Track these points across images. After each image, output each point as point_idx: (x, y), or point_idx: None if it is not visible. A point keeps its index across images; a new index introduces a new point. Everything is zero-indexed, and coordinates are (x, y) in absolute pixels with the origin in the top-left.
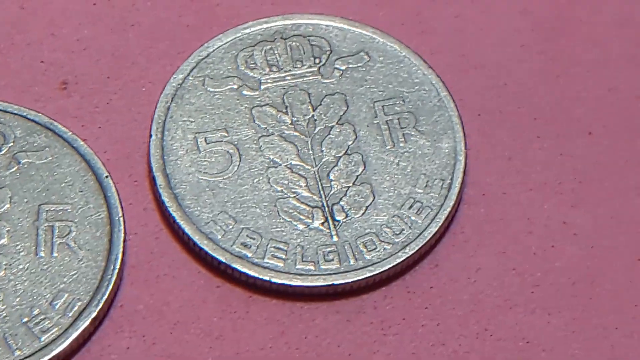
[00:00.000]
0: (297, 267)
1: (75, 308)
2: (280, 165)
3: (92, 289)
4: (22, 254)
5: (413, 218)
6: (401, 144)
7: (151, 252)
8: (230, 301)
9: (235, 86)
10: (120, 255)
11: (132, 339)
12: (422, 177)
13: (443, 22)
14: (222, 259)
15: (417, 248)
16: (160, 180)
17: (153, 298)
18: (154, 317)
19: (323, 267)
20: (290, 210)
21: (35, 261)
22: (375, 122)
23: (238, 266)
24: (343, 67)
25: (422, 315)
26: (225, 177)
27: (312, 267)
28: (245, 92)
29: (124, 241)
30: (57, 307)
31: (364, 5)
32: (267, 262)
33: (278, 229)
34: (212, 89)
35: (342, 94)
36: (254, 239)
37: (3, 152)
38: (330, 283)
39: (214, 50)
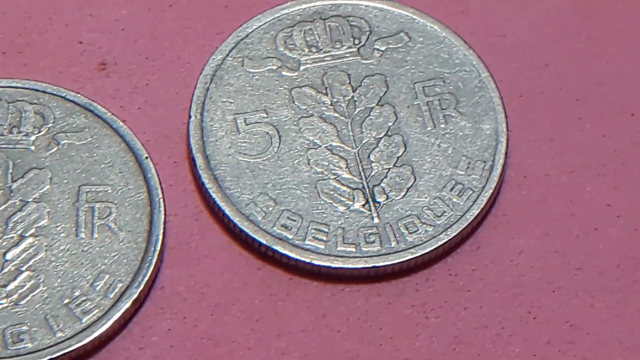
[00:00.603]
0: (338, 249)
1: (116, 289)
2: (320, 146)
3: (132, 271)
4: (62, 235)
5: (455, 200)
6: (442, 126)
7: (191, 234)
8: (271, 283)
9: (275, 67)
10: (160, 237)
11: (173, 321)
12: (463, 159)
13: (482, 2)
14: (263, 240)
15: (459, 230)
16: (200, 161)
17: (193, 280)
18: (194, 299)
19: (364, 249)
20: (331, 192)
21: (76, 242)
22: (416, 103)
23: (279, 248)
24: (383, 48)
25: (464, 298)
26: (265, 158)
27: (353, 249)
28: (284, 73)
29: (164, 222)
30: (98, 288)
31: None
32: (308, 244)
33: (319, 211)
34: (251, 70)
35: (382, 75)
36: (294, 220)
37: (43, 132)
38: (371, 265)
39: (253, 31)
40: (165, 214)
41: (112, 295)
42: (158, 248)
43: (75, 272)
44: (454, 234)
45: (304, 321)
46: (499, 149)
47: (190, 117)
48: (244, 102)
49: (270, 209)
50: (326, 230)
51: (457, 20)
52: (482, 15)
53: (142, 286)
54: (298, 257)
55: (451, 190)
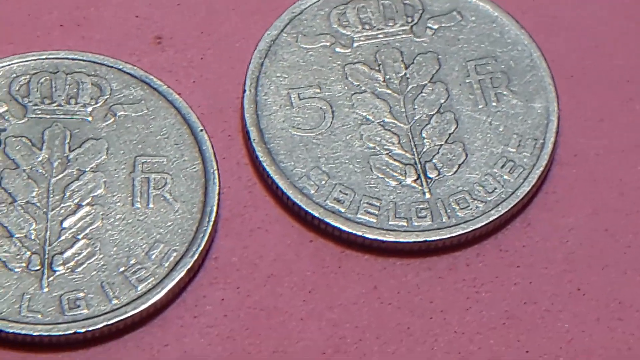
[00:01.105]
0: (390, 223)
1: (171, 259)
2: (373, 122)
3: (187, 240)
4: (118, 204)
5: (505, 177)
6: (493, 104)
7: (244, 206)
8: (323, 256)
9: (328, 43)
10: (215, 208)
11: (227, 291)
12: (514, 137)
13: None
14: (316, 213)
15: (509, 207)
16: (254, 135)
17: (247, 251)
18: (248, 270)
19: (416, 223)
20: (383, 167)
21: (132, 212)
22: (468, 81)
23: (331, 221)
24: (435, 26)
25: (514, 273)
26: (318, 132)
27: (404, 224)
28: (337, 50)
29: (219, 194)
30: (153, 257)
31: None
32: (360, 218)
33: (371, 185)
34: (305, 46)
35: (435, 52)
36: (347, 194)
37: (99, 104)
38: (423, 239)
39: (307, 7)
40: (219, 186)
41: (166, 264)
42: (212, 219)
43: (130, 240)
44: (505, 210)
45: (356, 293)
46: (550, 128)
47: (244, 91)
48: (297, 77)
49: (323, 182)
50: (378, 204)
51: (508, 0)
52: None
53: (196, 256)
54: (350, 230)
55: (502, 167)
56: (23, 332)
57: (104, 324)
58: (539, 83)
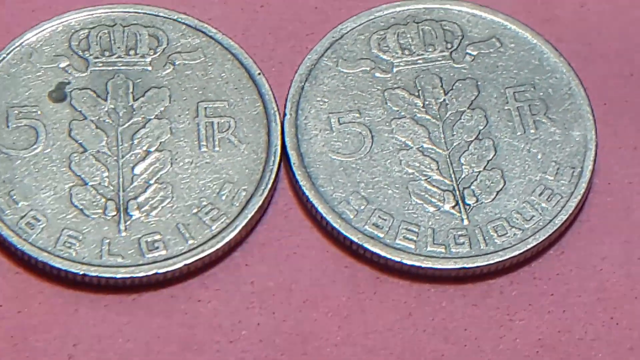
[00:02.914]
0: (429, 249)
1: (242, 198)
2: (412, 147)
3: (255, 180)
4: (185, 149)
5: (543, 205)
6: (532, 131)
7: (281, 230)
8: (359, 281)
9: (368, 68)
10: (279, 147)
11: (263, 316)
12: (552, 165)
13: (568, 10)
14: (354, 238)
15: (546, 235)
16: (294, 158)
17: (283, 275)
18: (283, 295)
19: (454, 250)
20: (422, 193)
21: (199, 155)
22: (506, 108)
23: (370, 246)
24: (475, 53)
25: (548, 301)
26: (357, 157)
27: (442, 250)
28: (377, 75)
29: (282, 133)
30: (224, 197)
31: None
32: (399, 243)
33: (409, 211)
34: (345, 70)
35: (474, 79)
36: (385, 220)
37: (158, 54)
38: (461, 266)
39: (347, 32)
40: (282, 125)
41: (237, 204)
42: (278, 157)
43: (200, 183)
44: (542, 238)
45: (390, 320)
46: (587, 156)
47: (285, 115)
48: (337, 101)
49: (362, 207)
50: (416, 230)
51: (542, 28)
52: (567, 24)
53: (265, 194)
54: (388, 255)
55: (540, 195)
56: (106, 275)
57: (183, 263)
58: (577, 111)
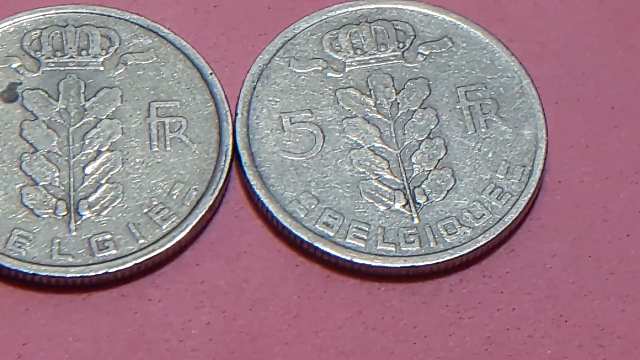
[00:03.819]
0: (378, 247)
1: (192, 197)
2: (363, 147)
3: (206, 179)
4: (137, 149)
5: (494, 203)
6: (483, 130)
7: (232, 229)
8: (309, 280)
9: (320, 68)
10: (230, 146)
11: (213, 314)
12: (503, 163)
13: (521, 10)
14: (305, 237)
15: (497, 233)
16: (245, 158)
17: (234, 274)
18: (234, 294)
19: (404, 248)
20: (372, 192)
21: (150, 155)
22: (458, 107)
23: (320, 245)
24: (427, 52)
25: (497, 299)
26: (308, 157)
27: (392, 249)
28: (329, 74)
29: (233, 133)
30: (175, 197)
31: None
32: (349, 242)
33: (360, 210)
34: (297, 70)
35: (425, 78)
36: (336, 219)
37: (110, 54)
38: (410, 265)
39: (300, 32)
40: (233, 126)
41: (188, 203)
42: (229, 157)
43: (152, 182)
44: (492, 236)
45: (341, 318)
46: (538, 155)
47: (236, 114)
48: (289, 101)
49: (313, 206)
50: (367, 229)
51: (495, 27)
52: (519, 23)
53: (216, 193)
54: (339, 254)
55: (490, 193)
56: (56, 274)
57: (133, 262)
58: (528, 110)
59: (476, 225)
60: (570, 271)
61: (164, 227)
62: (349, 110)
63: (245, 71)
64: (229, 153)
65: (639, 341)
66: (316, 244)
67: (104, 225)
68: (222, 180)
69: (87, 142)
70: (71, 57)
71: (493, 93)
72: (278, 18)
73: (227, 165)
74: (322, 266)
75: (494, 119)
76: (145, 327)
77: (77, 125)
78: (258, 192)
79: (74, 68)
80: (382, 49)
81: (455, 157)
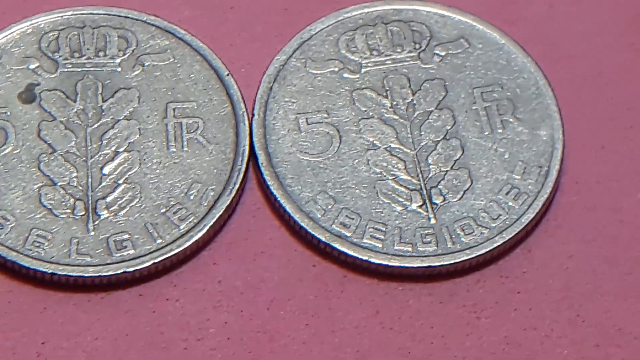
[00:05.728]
0: (395, 248)
1: (210, 197)
2: (380, 147)
3: (223, 179)
4: (154, 149)
5: (510, 204)
6: (499, 131)
7: (249, 230)
8: (326, 280)
9: (336, 69)
10: (247, 147)
11: (230, 314)
12: (519, 164)
13: (536, 11)
14: (322, 237)
15: (513, 234)
16: (262, 158)
17: (250, 274)
18: (251, 294)
19: (420, 248)
20: (389, 192)
21: (167, 156)
22: (474, 108)
23: (337, 245)
24: (443, 53)
25: (514, 299)
26: (325, 157)
27: (409, 249)
28: (345, 75)
29: (250, 134)
30: (192, 197)
31: None
32: (366, 242)
33: (377, 210)
34: (313, 71)
35: (442, 79)
36: (353, 219)
37: (127, 55)
38: (427, 265)
39: (316, 33)
40: (250, 126)
41: (205, 203)
42: (246, 157)
43: (169, 182)
44: (509, 237)
45: (357, 318)
46: (554, 155)
47: (253, 115)
48: (306, 102)
49: (330, 207)
50: (384, 229)
51: (510, 28)
52: (534, 24)
53: (233, 193)
54: (356, 254)
55: (507, 194)
56: (75, 274)
57: (151, 262)
58: (545, 111)
59: (493, 225)
60: (586, 271)
61: (181, 227)
62: (365, 111)
63: (262, 72)
64: (246, 154)
65: None
66: (333, 244)
67: (122, 225)
68: (239, 181)
69: (104, 142)
70: (89, 58)
71: (509, 94)
72: (294, 19)
73: (244, 166)
74: (339, 266)
75: (511, 120)
76: (163, 326)
77: (95, 125)
78: (275, 192)
79: (92, 69)
80: (398, 50)
81: (471, 157)
